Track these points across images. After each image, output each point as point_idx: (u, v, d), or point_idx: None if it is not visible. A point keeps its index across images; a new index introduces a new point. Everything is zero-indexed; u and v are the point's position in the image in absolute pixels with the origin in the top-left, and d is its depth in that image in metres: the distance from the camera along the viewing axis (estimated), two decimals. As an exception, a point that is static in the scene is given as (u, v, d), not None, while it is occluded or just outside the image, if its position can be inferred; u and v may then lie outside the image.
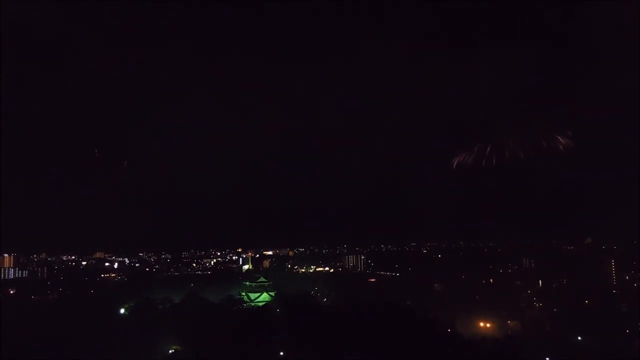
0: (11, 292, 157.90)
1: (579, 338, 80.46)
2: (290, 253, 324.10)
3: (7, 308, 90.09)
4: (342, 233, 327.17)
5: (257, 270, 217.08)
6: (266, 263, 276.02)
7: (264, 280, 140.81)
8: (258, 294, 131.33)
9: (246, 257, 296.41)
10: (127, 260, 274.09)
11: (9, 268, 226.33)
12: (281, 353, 63.83)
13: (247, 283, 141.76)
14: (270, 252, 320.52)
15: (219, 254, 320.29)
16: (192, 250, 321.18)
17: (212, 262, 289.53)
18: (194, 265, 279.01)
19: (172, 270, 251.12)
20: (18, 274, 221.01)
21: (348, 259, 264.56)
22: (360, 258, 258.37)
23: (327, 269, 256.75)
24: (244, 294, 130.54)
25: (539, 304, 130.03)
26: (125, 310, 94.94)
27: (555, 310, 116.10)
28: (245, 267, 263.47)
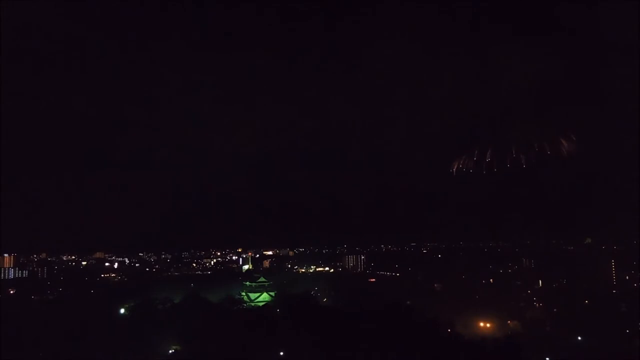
0: (11, 292, 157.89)
1: (579, 338, 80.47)
2: (290, 253, 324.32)
3: (7, 308, 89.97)
4: (342, 233, 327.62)
5: (257, 270, 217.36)
6: (266, 263, 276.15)
7: (264, 280, 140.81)
8: (258, 294, 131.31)
9: (246, 257, 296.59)
10: (127, 260, 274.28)
11: (9, 268, 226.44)
12: (281, 353, 63.81)
13: (247, 283, 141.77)
14: (270, 252, 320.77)
15: (219, 254, 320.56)
16: (192, 250, 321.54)
17: (212, 262, 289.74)
18: (194, 265, 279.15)
19: (172, 270, 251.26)
20: (18, 274, 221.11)
21: (348, 259, 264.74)
22: (360, 258, 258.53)
23: (327, 269, 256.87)
24: (244, 294, 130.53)
25: (539, 304, 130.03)
26: (125, 310, 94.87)
27: (555, 310, 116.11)
28: (245, 267, 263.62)
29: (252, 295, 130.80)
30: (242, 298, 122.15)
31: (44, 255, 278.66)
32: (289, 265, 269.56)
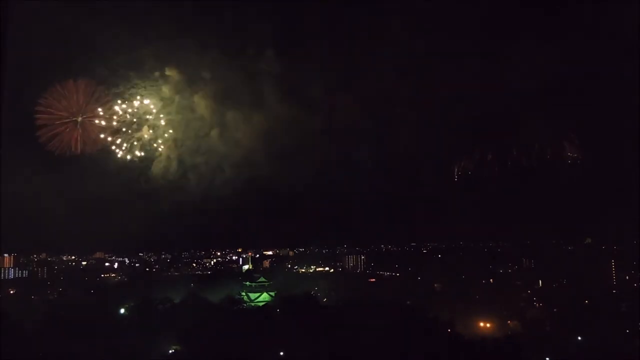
0: (11, 292, 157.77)
1: (579, 338, 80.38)
2: (290, 253, 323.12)
3: (7, 308, 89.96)
4: (342, 233, 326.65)
5: (257, 270, 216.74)
6: (266, 263, 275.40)
7: (264, 280, 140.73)
8: (258, 294, 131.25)
9: (246, 257, 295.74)
10: (127, 260, 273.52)
11: (9, 268, 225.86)
12: (281, 353, 63.82)
13: (247, 283, 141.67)
14: (270, 252, 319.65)
15: (219, 254, 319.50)
16: (192, 250, 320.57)
17: (212, 262, 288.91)
18: (194, 265, 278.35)
19: (172, 270, 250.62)
20: (18, 274, 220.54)
21: (348, 259, 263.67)
22: (360, 258, 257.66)
23: (327, 269, 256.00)
24: (244, 294, 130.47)
25: (539, 304, 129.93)
26: (125, 310, 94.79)
27: (555, 310, 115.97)
28: (245, 267, 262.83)
29: (252, 295, 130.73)
30: (242, 298, 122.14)
31: (44, 255, 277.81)
32: (289, 265, 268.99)
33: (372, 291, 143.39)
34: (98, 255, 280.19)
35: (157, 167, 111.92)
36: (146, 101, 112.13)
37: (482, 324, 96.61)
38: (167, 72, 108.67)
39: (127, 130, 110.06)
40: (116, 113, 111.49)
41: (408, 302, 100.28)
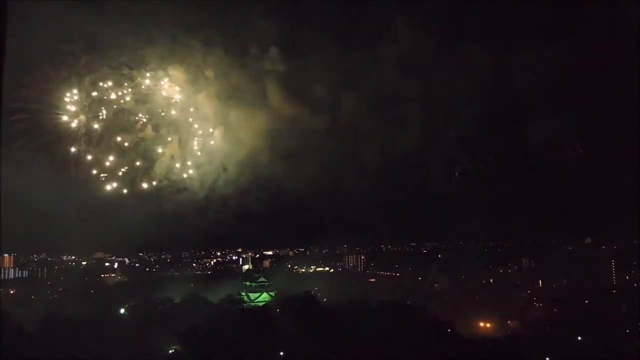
0: (11, 292, 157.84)
1: (579, 338, 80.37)
2: (290, 253, 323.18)
3: (7, 308, 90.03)
4: (342, 233, 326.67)
5: (257, 270, 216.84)
6: (266, 263, 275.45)
7: (264, 280, 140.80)
8: (258, 294, 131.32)
9: (246, 257, 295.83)
10: (127, 260, 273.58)
11: (9, 268, 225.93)
12: (281, 353, 63.85)
13: (247, 283, 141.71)
14: (270, 252, 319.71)
15: (219, 254, 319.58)
16: (192, 250, 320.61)
17: (212, 262, 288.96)
18: (194, 265, 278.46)
19: (172, 270, 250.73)
20: (18, 274, 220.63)
21: (348, 259, 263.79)
22: (360, 258, 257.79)
23: (327, 269, 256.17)
24: (244, 294, 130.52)
25: (539, 304, 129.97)
26: (125, 310, 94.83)
27: (555, 310, 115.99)
28: (245, 267, 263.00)
29: (252, 295, 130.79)
30: (242, 298, 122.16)
31: (44, 255, 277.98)
32: (289, 265, 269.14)
33: (372, 291, 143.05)
34: (98, 255, 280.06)
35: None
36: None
37: (482, 324, 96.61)
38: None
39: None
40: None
41: (408, 302, 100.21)
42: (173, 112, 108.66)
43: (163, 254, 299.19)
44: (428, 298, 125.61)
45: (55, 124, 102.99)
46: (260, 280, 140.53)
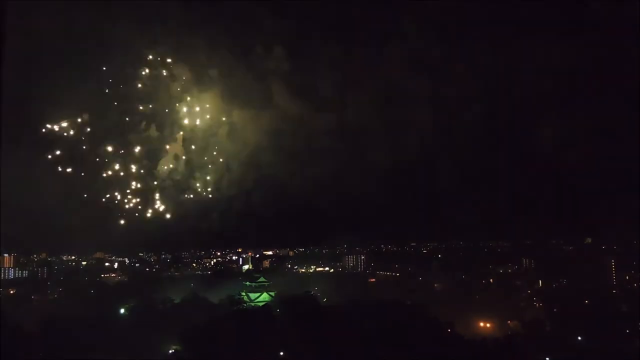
0: (11, 292, 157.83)
1: (579, 338, 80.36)
2: (290, 253, 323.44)
3: (7, 308, 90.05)
4: (342, 233, 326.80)
5: (257, 270, 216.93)
6: (266, 263, 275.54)
7: (264, 280, 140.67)
8: (258, 294, 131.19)
9: (246, 257, 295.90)
10: (127, 260, 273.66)
11: (9, 268, 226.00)
12: (281, 353, 63.85)
13: (247, 283, 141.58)
14: (270, 252, 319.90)
15: (219, 254, 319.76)
16: (192, 250, 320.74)
17: (212, 262, 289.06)
18: (194, 265, 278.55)
19: (172, 270, 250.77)
20: (18, 274, 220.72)
21: (348, 259, 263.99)
22: (360, 258, 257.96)
23: (327, 269, 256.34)
24: (244, 294, 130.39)
25: (539, 304, 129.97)
26: (125, 310, 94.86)
27: (555, 310, 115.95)
28: (245, 267, 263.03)
29: (252, 295, 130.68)
30: (242, 298, 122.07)
31: (44, 255, 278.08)
32: (289, 265, 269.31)
33: (372, 291, 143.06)
34: (98, 255, 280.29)
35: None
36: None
37: (482, 324, 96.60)
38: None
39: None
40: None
41: (408, 302, 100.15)
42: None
43: (163, 254, 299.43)
44: (428, 298, 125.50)
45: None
46: (260, 280, 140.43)
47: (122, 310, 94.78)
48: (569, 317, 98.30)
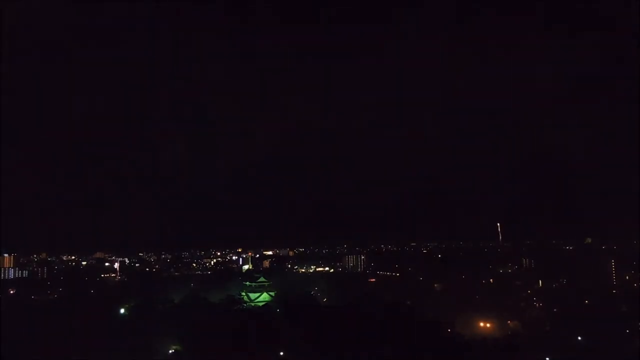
0: (11, 292, 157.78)
1: (579, 338, 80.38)
2: (290, 253, 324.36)
3: (7, 308, 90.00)
4: (342, 233, 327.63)
5: (257, 270, 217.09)
6: (266, 263, 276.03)
7: (264, 280, 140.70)
8: (258, 294, 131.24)
9: (246, 257, 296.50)
10: (127, 260, 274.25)
11: (9, 268, 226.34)
12: (281, 353, 63.85)
13: (247, 283, 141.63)
14: (270, 252, 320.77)
15: (219, 254, 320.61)
16: (192, 250, 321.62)
17: (212, 262, 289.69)
18: (194, 265, 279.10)
19: (172, 270, 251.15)
20: (18, 274, 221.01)
21: (348, 259, 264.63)
22: (360, 258, 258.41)
23: (327, 269, 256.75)
24: (244, 294, 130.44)
25: (539, 304, 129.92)
26: (125, 310, 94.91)
27: (555, 310, 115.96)
28: (245, 267, 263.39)
29: (252, 295, 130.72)
30: (242, 298, 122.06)
31: (44, 255, 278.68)
32: (289, 265, 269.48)
33: (372, 291, 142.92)
34: (98, 255, 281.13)
35: None
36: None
37: (482, 324, 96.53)
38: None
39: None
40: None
41: (408, 302, 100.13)
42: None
43: (163, 254, 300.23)
44: (428, 298, 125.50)
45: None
46: (260, 280, 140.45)
47: (122, 310, 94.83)
48: (569, 317, 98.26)
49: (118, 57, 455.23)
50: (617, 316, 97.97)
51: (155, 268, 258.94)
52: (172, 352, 67.66)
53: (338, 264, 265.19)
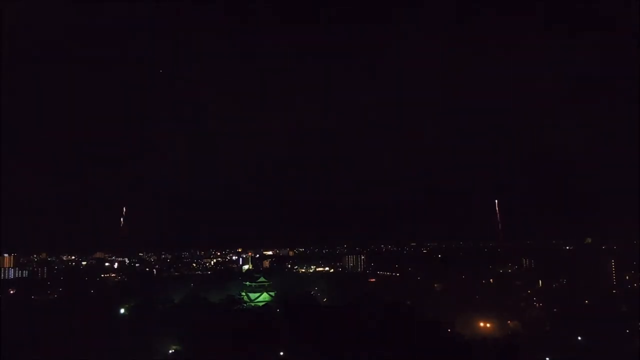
0: (11, 292, 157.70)
1: (579, 338, 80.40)
2: (290, 253, 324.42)
3: (7, 308, 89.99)
4: (342, 233, 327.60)
5: (257, 270, 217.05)
6: (266, 263, 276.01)
7: (264, 280, 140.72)
8: (258, 294, 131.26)
9: (246, 257, 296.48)
10: (127, 260, 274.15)
11: (9, 268, 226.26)
12: (281, 353, 63.85)
13: (247, 283, 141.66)
14: (270, 252, 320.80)
15: (219, 254, 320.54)
16: (192, 250, 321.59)
17: (212, 262, 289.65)
18: (194, 265, 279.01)
19: (172, 270, 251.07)
20: (18, 274, 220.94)
21: (348, 259, 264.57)
22: (360, 258, 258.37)
23: (327, 269, 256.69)
24: (244, 294, 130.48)
25: (539, 304, 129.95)
26: (125, 310, 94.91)
27: (555, 310, 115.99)
28: (245, 267, 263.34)
29: (252, 295, 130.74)
30: (242, 298, 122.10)
31: (44, 255, 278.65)
32: (289, 265, 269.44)
33: (372, 291, 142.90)
34: (98, 255, 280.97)
35: None
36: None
37: (482, 324, 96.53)
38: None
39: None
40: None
41: (408, 302, 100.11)
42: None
43: (163, 254, 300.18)
44: (428, 298, 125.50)
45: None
46: (260, 280, 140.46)
47: (122, 310, 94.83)
48: (569, 317, 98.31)
49: (118, 57, 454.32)
50: (617, 316, 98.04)
51: (155, 268, 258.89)
52: (172, 352, 67.67)
53: (338, 264, 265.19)
